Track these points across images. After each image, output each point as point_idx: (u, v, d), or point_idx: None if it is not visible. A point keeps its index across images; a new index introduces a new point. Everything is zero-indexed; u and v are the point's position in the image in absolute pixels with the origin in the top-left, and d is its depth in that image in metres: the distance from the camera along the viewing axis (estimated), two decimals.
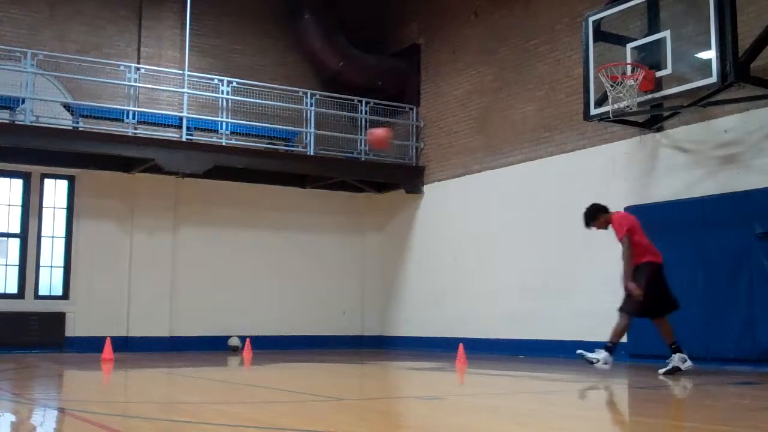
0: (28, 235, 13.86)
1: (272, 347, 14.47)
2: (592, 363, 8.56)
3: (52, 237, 14.10)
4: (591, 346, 8.76)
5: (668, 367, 8.49)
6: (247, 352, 12.89)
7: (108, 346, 11.30)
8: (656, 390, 7.48)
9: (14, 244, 13.89)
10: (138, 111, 13.94)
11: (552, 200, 12.79)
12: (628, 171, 11.64)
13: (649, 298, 8.48)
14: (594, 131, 12.11)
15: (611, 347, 8.58)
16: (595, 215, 8.99)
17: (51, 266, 14.04)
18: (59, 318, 13.66)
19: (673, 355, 8.53)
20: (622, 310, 8.64)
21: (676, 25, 9.91)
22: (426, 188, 15.64)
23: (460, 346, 10.84)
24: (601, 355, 8.56)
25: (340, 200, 16.53)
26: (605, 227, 8.96)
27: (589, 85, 10.75)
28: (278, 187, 15.80)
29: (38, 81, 13.13)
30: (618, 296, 11.24)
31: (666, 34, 9.84)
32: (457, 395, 7.30)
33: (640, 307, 8.52)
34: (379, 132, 10.78)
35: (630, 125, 11.34)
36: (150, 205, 14.57)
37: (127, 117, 13.85)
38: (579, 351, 8.77)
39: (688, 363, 8.50)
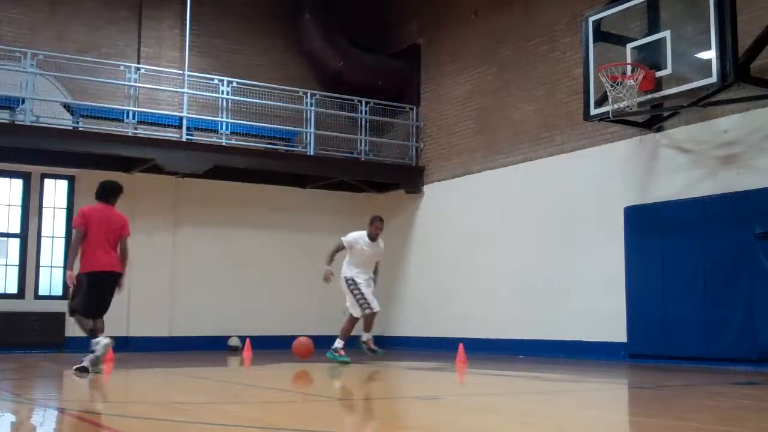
0: (28, 235, 13.85)
1: (272, 347, 14.45)
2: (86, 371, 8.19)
3: (52, 237, 14.09)
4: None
5: (81, 364, 8.21)
6: (247, 352, 12.89)
7: None
8: (656, 390, 7.48)
9: (14, 244, 13.89)
10: (138, 111, 13.93)
11: (552, 200, 12.79)
12: (628, 171, 11.64)
13: (91, 302, 8.54)
14: (594, 131, 12.11)
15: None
16: (109, 193, 8.92)
17: (51, 266, 14.03)
18: (59, 318, 13.60)
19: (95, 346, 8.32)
20: (73, 312, 8.63)
21: (676, 25, 9.91)
22: (426, 188, 15.63)
23: (460, 346, 10.84)
24: (87, 360, 8.29)
25: (340, 200, 16.50)
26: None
27: (589, 85, 10.75)
28: (278, 187, 15.78)
29: (38, 81, 13.12)
30: (616, 296, 11.33)
31: (666, 34, 9.84)
32: (457, 395, 7.30)
33: (83, 307, 8.54)
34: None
35: (630, 125, 11.33)
36: (150, 205, 14.54)
37: (127, 117, 13.85)
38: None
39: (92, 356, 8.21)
